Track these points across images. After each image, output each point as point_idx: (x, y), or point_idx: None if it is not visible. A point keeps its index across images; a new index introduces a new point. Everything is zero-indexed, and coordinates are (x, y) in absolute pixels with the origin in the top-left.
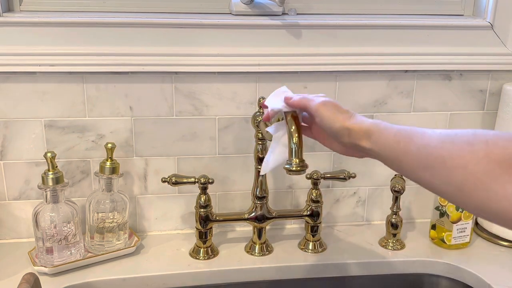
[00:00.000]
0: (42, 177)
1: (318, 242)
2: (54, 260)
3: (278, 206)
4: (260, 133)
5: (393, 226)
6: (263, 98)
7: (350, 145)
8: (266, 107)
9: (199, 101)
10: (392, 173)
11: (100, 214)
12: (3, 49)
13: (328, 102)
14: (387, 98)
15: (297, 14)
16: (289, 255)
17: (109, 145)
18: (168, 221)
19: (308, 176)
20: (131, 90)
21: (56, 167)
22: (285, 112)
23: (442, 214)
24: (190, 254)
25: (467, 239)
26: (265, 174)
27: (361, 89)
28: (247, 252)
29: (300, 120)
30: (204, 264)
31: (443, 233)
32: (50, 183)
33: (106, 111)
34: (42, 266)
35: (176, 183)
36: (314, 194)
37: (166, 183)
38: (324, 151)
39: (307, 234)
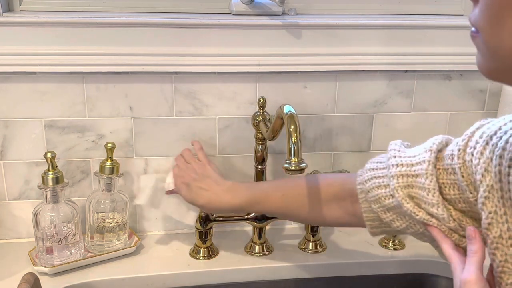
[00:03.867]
0: (42, 177)
1: (318, 242)
2: (54, 260)
3: None
4: (260, 133)
5: None
6: (263, 98)
7: None
8: None
9: (199, 101)
10: None
11: (100, 214)
12: (3, 49)
13: None
14: (387, 98)
15: (297, 14)
16: (289, 255)
17: (109, 145)
18: (168, 221)
19: None
20: (131, 90)
21: (56, 167)
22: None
23: None
24: (190, 254)
25: None
26: (265, 173)
27: (361, 89)
28: (247, 252)
29: None
30: (204, 264)
31: None
32: (50, 183)
33: (106, 111)
34: (42, 266)
35: None
36: None
37: None
38: (324, 151)
39: (307, 234)
